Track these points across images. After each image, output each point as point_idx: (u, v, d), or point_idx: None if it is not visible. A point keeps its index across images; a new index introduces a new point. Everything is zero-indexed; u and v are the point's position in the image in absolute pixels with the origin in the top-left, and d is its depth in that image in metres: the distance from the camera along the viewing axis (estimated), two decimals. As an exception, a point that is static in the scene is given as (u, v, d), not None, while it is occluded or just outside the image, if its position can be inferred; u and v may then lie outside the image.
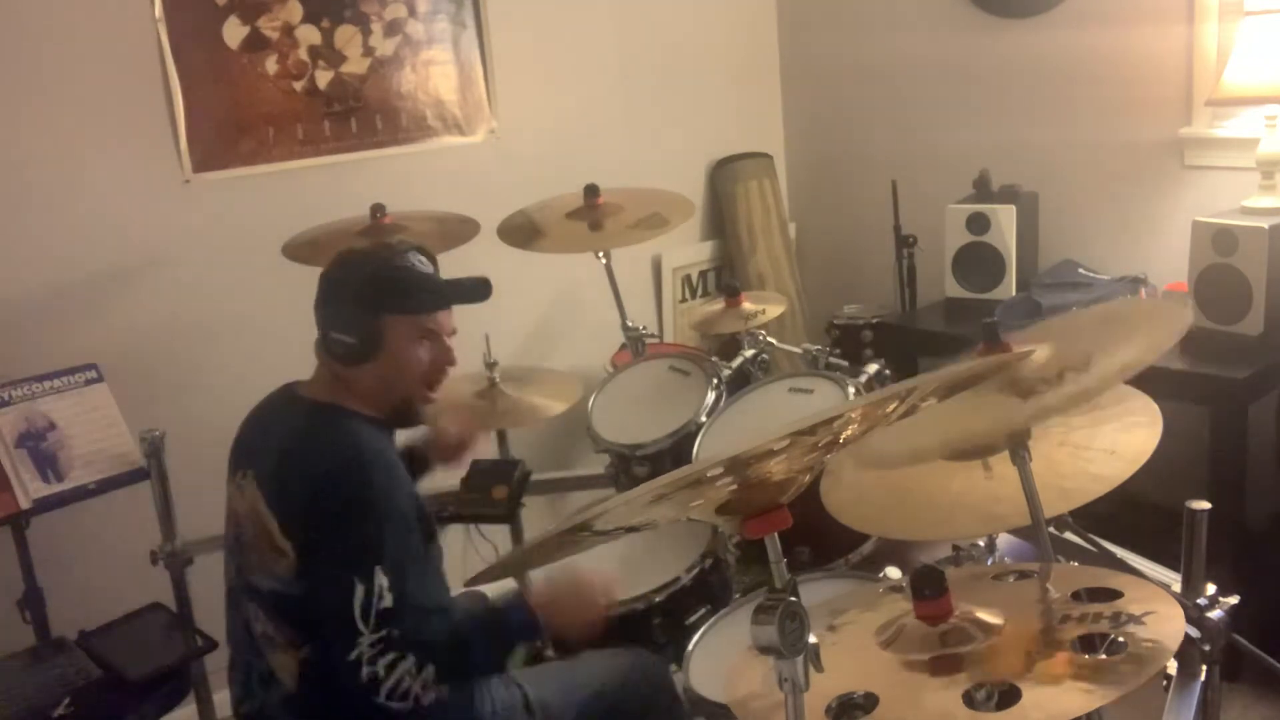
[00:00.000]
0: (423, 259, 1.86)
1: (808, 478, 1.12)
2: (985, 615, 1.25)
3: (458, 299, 1.88)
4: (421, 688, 1.65)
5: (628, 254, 3.27)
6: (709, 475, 1.01)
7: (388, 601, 1.64)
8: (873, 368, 2.59)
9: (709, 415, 2.45)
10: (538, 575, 1.93)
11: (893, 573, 1.89)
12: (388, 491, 1.73)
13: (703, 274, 4.02)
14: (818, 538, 2.14)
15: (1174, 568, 1.56)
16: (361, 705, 1.67)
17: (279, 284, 2.85)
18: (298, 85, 3.03)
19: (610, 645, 2.05)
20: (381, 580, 1.64)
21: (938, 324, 3.29)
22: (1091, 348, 1.42)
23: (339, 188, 3.06)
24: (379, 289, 1.80)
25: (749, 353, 2.78)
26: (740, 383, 2.66)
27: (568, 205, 2.89)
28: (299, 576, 1.70)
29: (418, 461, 2.14)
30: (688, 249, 3.95)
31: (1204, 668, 1.52)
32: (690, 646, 2.01)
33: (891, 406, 1.15)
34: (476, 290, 1.89)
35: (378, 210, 2.76)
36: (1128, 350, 1.39)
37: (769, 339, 2.80)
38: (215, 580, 1.93)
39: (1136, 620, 1.18)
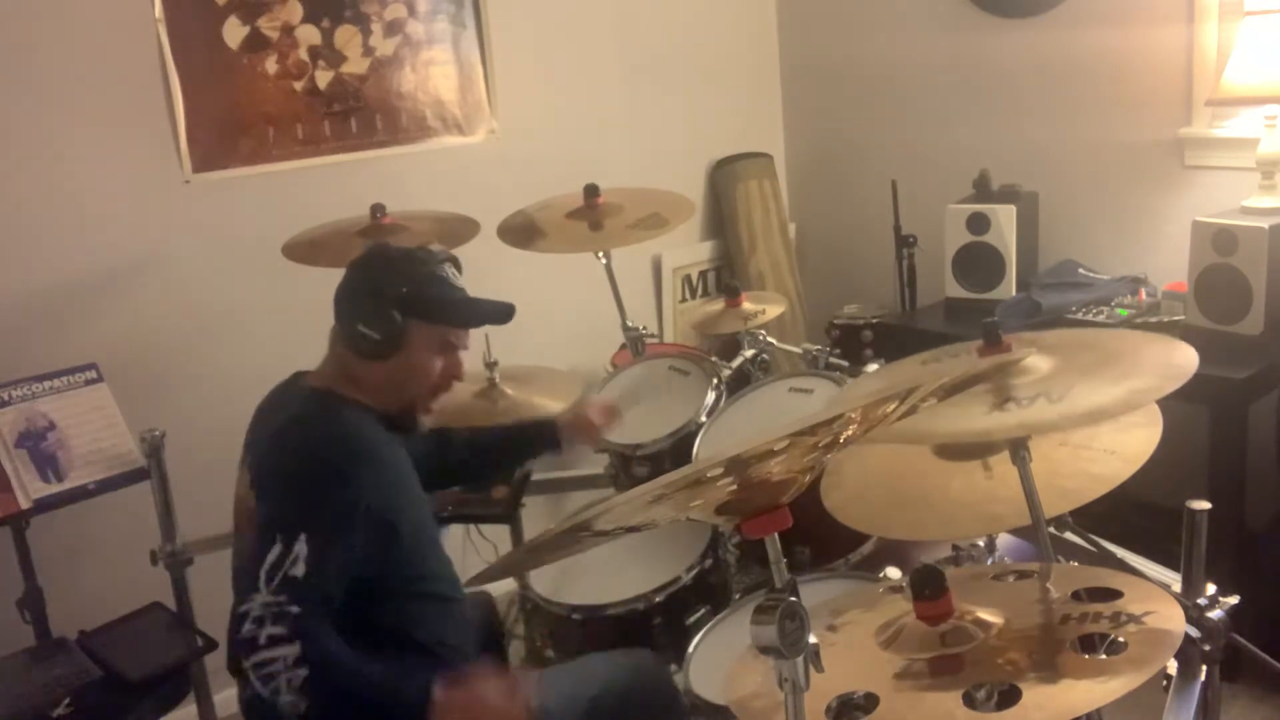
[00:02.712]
0: (455, 271, 1.89)
1: (808, 478, 1.12)
2: (985, 615, 1.25)
3: (488, 320, 1.91)
4: (287, 683, 1.59)
5: (628, 254, 3.26)
6: (709, 475, 1.01)
7: (298, 570, 1.61)
8: (873, 368, 2.59)
9: (709, 415, 2.45)
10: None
11: (893, 573, 1.89)
12: (350, 470, 1.73)
13: (703, 274, 4.02)
14: (818, 538, 2.13)
15: (1174, 568, 1.56)
16: (355, 699, 1.67)
17: (279, 284, 2.86)
18: (298, 85, 3.03)
19: (611, 648, 2.05)
20: (301, 548, 1.62)
21: (938, 324, 3.29)
22: (1077, 379, 1.41)
23: (339, 188, 3.06)
24: (416, 294, 1.82)
25: (749, 353, 2.78)
26: (740, 383, 2.66)
27: (568, 205, 2.89)
28: None
29: (545, 438, 2.27)
30: (688, 249, 3.95)
31: (1204, 668, 1.52)
32: (690, 647, 2.01)
33: (891, 406, 1.15)
34: (503, 314, 1.92)
35: (378, 210, 2.76)
36: (1107, 392, 1.37)
37: (769, 339, 2.80)
38: (215, 580, 1.93)
39: (1136, 620, 1.19)
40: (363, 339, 1.81)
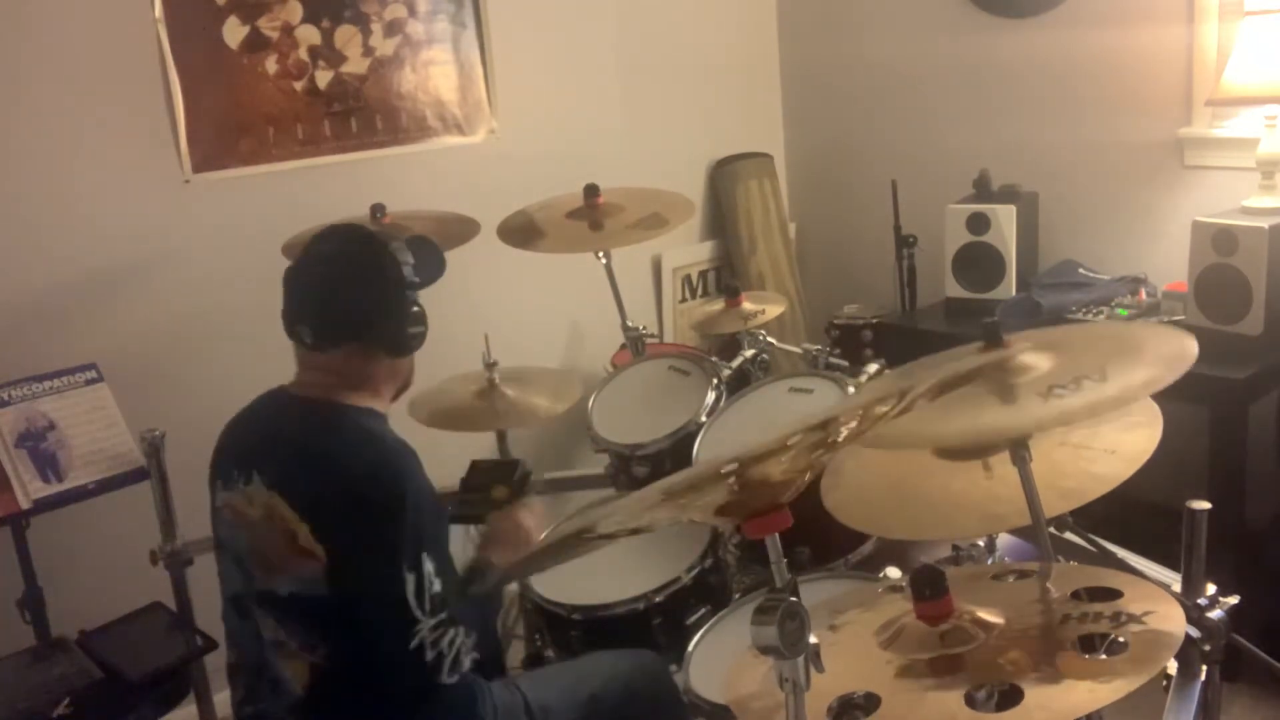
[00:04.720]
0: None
1: (808, 478, 1.11)
2: (985, 615, 1.25)
3: (443, 263, 1.97)
4: (466, 652, 1.71)
5: (628, 254, 3.27)
6: (711, 477, 1.01)
7: (438, 586, 1.68)
8: (873, 368, 2.59)
9: (709, 415, 2.45)
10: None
11: (893, 573, 1.89)
12: (418, 481, 1.75)
13: (703, 274, 4.02)
14: (818, 538, 2.13)
15: (1174, 568, 1.56)
16: (374, 708, 1.69)
17: (279, 284, 2.85)
18: (298, 85, 3.03)
19: (611, 646, 2.05)
20: (429, 566, 1.68)
21: (938, 324, 3.29)
22: (1103, 361, 1.41)
23: (339, 188, 3.06)
24: (417, 280, 1.85)
25: (749, 353, 2.78)
26: (740, 383, 2.66)
27: (568, 205, 2.89)
28: (330, 577, 1.68)
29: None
30: (688, 249, 3.95)
31: (1204, 668, 1.52)
32: (690, 647, 2.01)
33: (888, 405, 1.14)
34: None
35: (378, 210, 2.76)
36: (1139, 371, 1.38)
37: (769, 339, 2.80)
38: (215, 580, 1.93)
39: (1136, 620, 1.19)
40: (412, 339, 1.84)
